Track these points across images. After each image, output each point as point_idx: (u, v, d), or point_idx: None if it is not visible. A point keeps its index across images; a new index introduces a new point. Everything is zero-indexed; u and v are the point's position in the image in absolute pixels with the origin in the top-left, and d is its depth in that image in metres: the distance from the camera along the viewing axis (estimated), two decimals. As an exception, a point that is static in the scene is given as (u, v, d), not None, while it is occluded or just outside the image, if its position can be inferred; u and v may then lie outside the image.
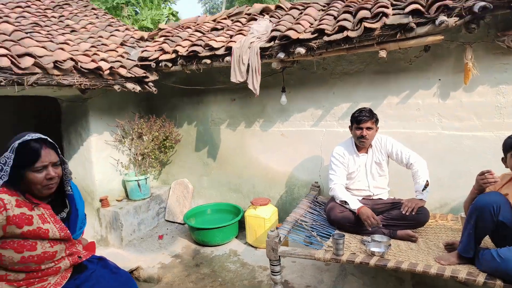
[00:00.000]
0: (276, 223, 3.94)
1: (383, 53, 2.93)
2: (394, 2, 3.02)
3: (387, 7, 2.88)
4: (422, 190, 2.70)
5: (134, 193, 4.49)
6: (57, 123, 4.57)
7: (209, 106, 4.60)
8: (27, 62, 2.84)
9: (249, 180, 4.46)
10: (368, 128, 2.91)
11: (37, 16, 4.18)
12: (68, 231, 1.73)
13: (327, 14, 3.34)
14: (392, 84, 3.43)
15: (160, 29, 4.80)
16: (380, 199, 3.08)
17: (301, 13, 3.73)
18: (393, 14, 2.83)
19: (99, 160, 4.34)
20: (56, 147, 1.70)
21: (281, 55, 3.29)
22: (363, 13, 2.92)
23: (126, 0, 9.25)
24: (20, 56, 2.84)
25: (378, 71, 3.47)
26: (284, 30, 3.24)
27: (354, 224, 2.82)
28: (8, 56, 2.73)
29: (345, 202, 2.87)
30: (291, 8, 3.91)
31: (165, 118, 4.71)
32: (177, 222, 4.75)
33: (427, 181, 2.71)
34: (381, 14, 2.83)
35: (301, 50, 3.15)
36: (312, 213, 3.23)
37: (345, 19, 3.04)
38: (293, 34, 3.14)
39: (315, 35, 3.10)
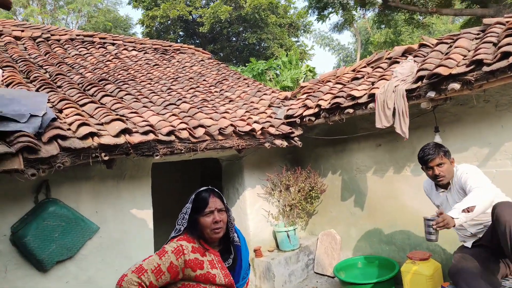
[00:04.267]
0: (440, 281, 3.40)
1: None
2: None
3: None
4: (464, 211, 2.20)
5: (284, 244, 4.64)
6: (218, 180, 5.25)
7: (352, 154, 4.54)
8: (199, 132, 3.47)
9: (402, 231, 4.06)
10: (439, 165, 2.55)
11: (204, 93, 5.15)
12: (232, 278, 1.91)
13: (484, 42, 3.00)
14: None
15: (302, 87, 5.17)
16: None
17: (450, 46, 3.46)
18: None
19: (253, 212, 4.72)
20: (221, 196, 1.99)
21: (431, 94, 3.07)
22: (533, 33, 2.51)
23: (269, 66, 10.44)
24: (195, 128, 3.51)
25: None
26: (433, 68, 3.05)
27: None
28: (187, 129, 3.40)
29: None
30: (437, 44, 3.67)
31: (310, 169, 4.85)
32: (326, 275, 4.62)
33: (471, 207, 2.19)
34: (559, 29, 2.37)
35: (456, 85, 2.88)
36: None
37: (509, 44, 2.67)
38: (443, 70, 2.92)
39: (472, 67, 2.80)
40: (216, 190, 2.00)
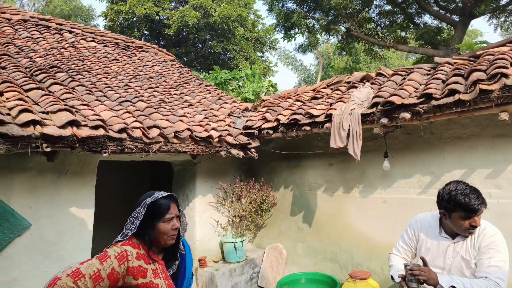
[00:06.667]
0: (379, 301, 3.53)
1: (504, 116, 2.67)
2: (514, 62, 2.79)
3: (506, 67, 2.67)
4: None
5: (230, 255, 4.56)
6: (168, 185, 5.07)
7: (306, 171, 4.62)
8: (154, 133, 3.34)
9: (346, 250, 4.18)
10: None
11: (163, 94, 5.00)
12: None
13: (434, 78, 3.24)
14: (517, 149, 3.02)
15: (263, 100, 5.22)
16: None
17: (404, 78, 3.69)
18: (515, 74, 2.60)
19: (201, 221, 4.61)
20: (178, 202, 1.90)
21: (384, 120, 3.23)
22: (477, 75, 2.75)
23: (232, 76, 10.47)
24: (149, 128, 3.37)
25: (498, 135, 3.12)
26: (387, 96, 3.22)
27: None
28: (141, 128, 3.26)
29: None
30: (393, 74, 3.90)
31: (263, 182, 4.85)
32: (270, 290, 4.61)
33: None
34: (499, 74, 2.63)
35: (406, 115, 3.06)
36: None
37: (455, 82, 2.90)
38: (397, 100, 3.09)
39: (422, 99, 3.00)
40: (175, 195, 1.92)
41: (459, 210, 2.06)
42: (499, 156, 3.10)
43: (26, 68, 3.72)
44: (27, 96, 2.93)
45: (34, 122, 2.53)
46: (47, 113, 2.80)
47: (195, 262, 4.46)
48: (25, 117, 2.49)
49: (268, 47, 20.51)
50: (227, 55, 18.51)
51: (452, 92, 2.85)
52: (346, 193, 4.20)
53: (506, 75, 2.62)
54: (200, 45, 19.01)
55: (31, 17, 6.00)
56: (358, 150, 3.42)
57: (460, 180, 2.22)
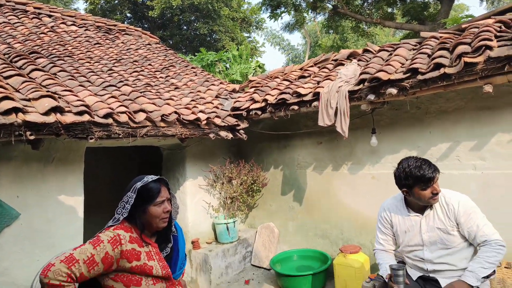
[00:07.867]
0: (368, 273, 3.63)
1: (488, 88, 2.69)
2: (498, 34, 2.80)
3: (491, 39, 2.68)
4: (484, 277, 2.04)
5: (223, 236, 4.62)
6: (158, 169, 5.06)
7: (295, 150, 4.65)
8: (140, 117, 3.29)
9: (336, 226, 4.27)
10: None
11: (148, 78, 4.90)
12: (169, 270, 1.85)
13: (420, 53, 3.23)
14: (501, 120, 3.08)
15: (250, 81, 5.17)
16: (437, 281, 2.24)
17: (390, 54, 3.68)
18: (499, 46, 2.61)
19: (192, 203, 4.63)
20: (168, 186, 1.89)
21: (371, 97, 3.24)
22: (462, 48, 2.76)
23: (219, 58, 10.30)
24: (135, 112, 3.32)
25: (483, 107, 3.17)
26: (374, 72, 3.22)
27: None
28: (127, 113, 3.21)
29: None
30: (379, 51, 3.89)
31: (253, 163, 4.87)
32: (263, 267, 4.70)
33: (494, 271, 2.07)
34: (483, 47, 2.64)
35: (393, 90, 3.07)
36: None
37: (441, 56, 2.90)
38: (383, 76, 3.09)
39: (408, 74, 3.00)
40: (165, 179, 1.91)
41: (417, 183, 2.17)
42: (483, 128, 3.16)
43: (4, 54, 3.60)
44: (7, 84, 2.85)
45: (15, 110, 2.47)
46: (29, 100, 2.73)
47: (188, 245, 4.51)
48: (6, 104, 2.43)
49: (254, 27, 20.18)
50: (213, 36, 18.17)
51: (438, 66, 2.86)
52: (335, 171, 4.25)
53: (490, 47, 2.63)
54: (185, 27, 18.57)
55: (7, 1, 5.75)
56: (346, 127, 3.44)
57: (409, 156, 2.35)
